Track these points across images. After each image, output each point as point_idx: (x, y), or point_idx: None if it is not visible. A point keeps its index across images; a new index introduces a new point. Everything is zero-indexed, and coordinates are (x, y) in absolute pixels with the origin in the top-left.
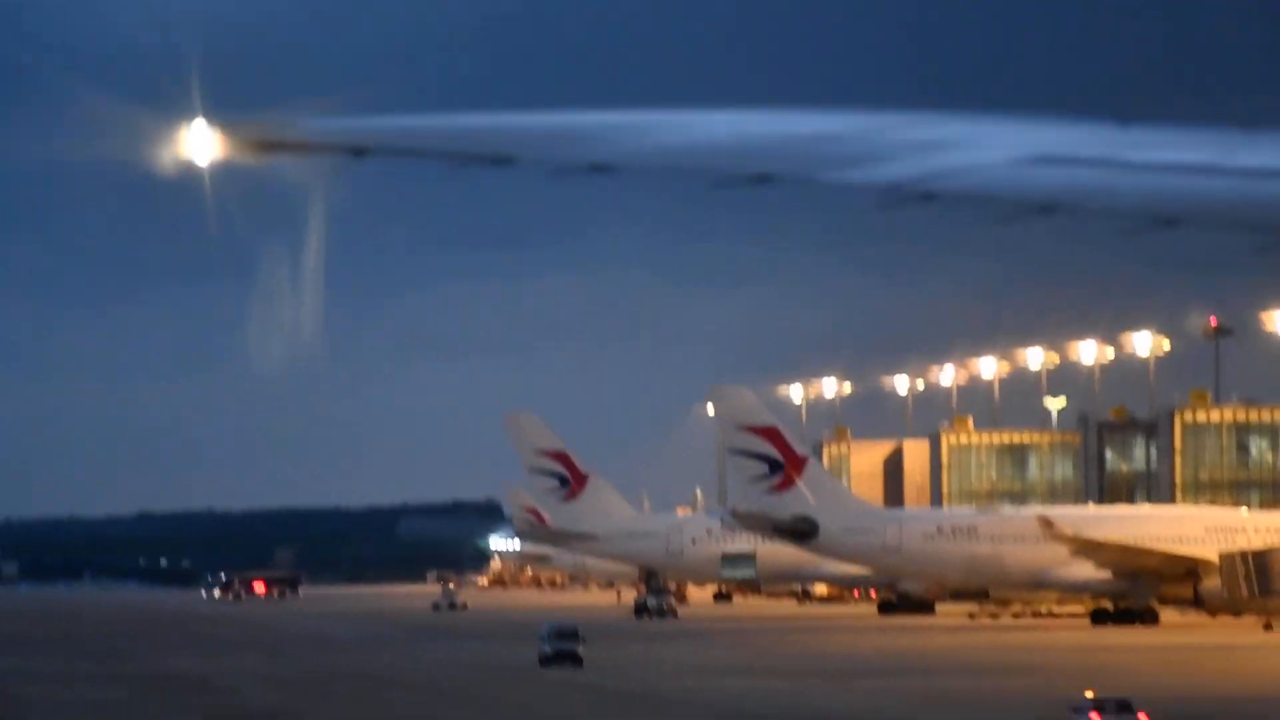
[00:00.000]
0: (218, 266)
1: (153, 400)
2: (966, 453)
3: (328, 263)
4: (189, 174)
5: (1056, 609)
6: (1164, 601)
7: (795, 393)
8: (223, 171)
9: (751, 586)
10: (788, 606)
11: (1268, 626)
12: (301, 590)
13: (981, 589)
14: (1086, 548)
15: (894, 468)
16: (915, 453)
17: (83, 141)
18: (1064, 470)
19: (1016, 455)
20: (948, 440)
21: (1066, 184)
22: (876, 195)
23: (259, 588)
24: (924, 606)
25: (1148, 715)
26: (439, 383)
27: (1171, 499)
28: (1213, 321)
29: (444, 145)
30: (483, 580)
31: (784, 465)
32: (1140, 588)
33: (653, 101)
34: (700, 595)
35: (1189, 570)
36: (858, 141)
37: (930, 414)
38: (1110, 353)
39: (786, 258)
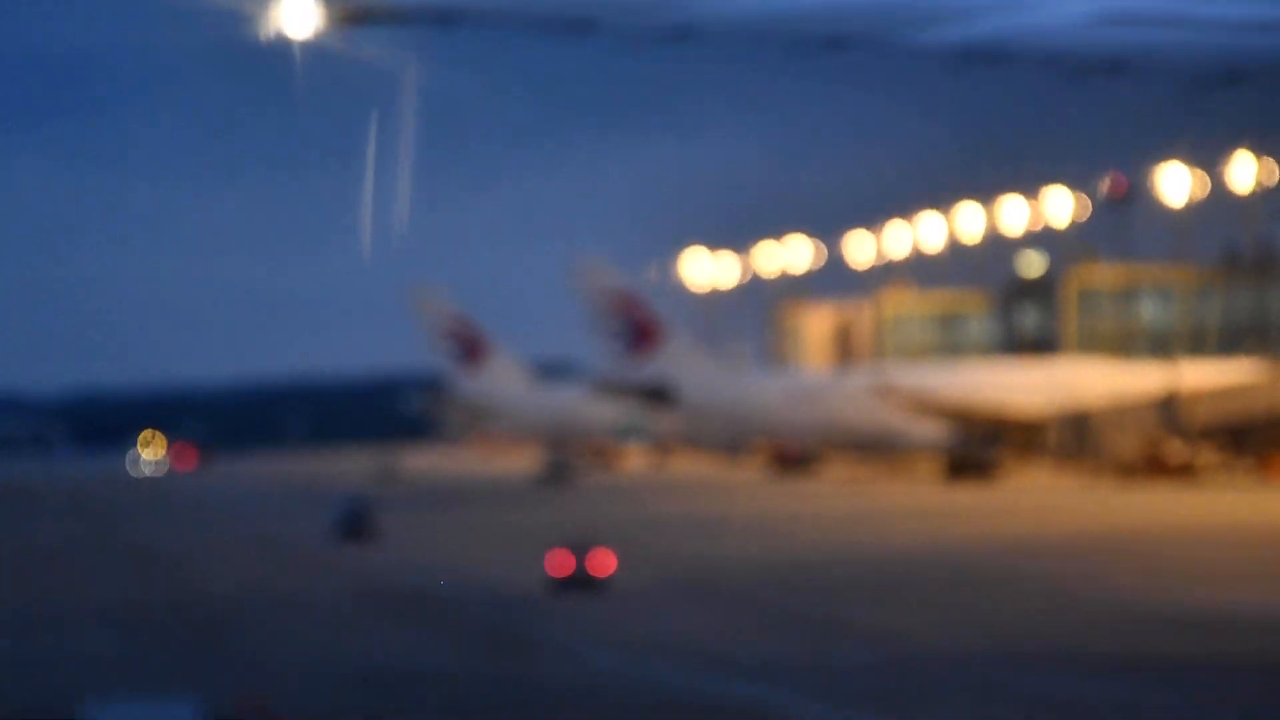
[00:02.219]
0: (307, 144)
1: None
2: (906, 315)
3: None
4: (284, 49)
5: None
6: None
7: (763, 255)
8: (314, 44)
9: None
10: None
11: (1088, 479)
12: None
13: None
14: (922, 406)
15: (845, 332)
16: (863, 316)
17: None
18: (995, 330)
19: (952, 316)
20: (886, 303)
21: (1136, 42)
22: (949, 57)
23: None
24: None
25: (609, 551)
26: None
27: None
28: (1114, 182)
29: (527, 12)
30: None
31: (645, 332)
32: (980, 444)
33: None
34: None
35: (1026, 426)
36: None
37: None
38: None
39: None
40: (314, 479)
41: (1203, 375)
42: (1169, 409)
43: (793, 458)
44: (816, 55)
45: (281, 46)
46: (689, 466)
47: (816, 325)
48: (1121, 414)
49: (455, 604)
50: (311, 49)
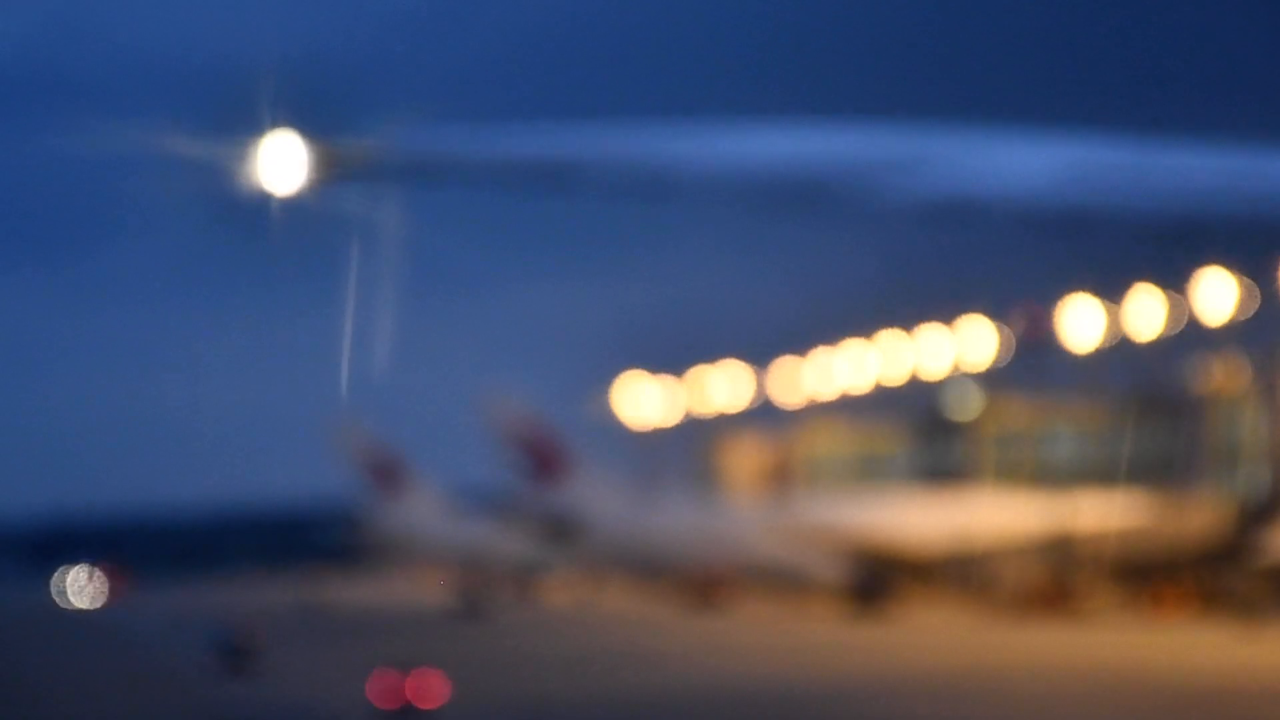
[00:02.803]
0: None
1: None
2: (828, 451)
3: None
4: (260, 197)
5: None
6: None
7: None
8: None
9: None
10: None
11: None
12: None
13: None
14: (819, 542)
15: (776, 466)
16: (792, 450)
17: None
18: (916, 465)
19: (873, 452)
20: (809, 439)
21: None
22: (920, 212)
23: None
24: None
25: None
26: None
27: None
28: (1026, 316)
29: (497, 167)
30: None
31: (552, 463)
32: (872, 578)
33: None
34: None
35: (921, 562)
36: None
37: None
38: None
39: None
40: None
41: (1101, 511)
42: (1064, 546)
43: (708, 592)
44: (791, 208)
45: (255, 199)
46: (613, 600)
47: (746, 459)
48: (1016, 550)
49: None
50: (283, 202)
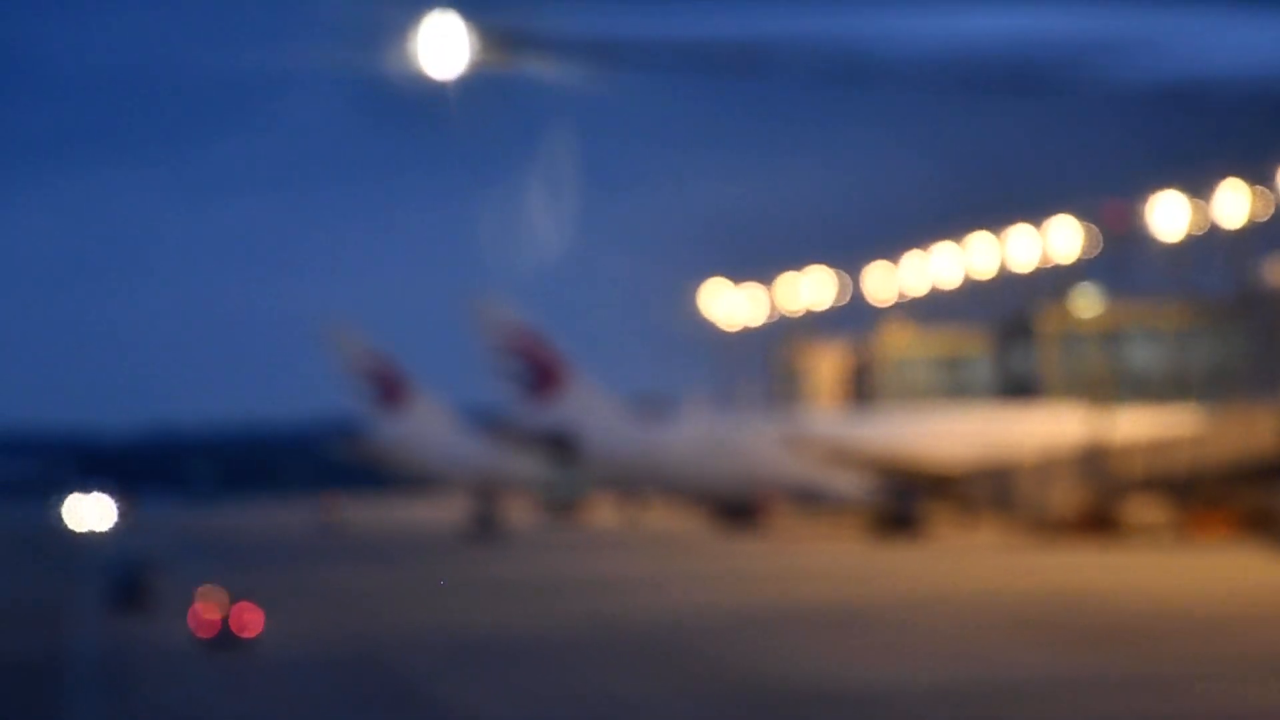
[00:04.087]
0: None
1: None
2: (906, 353)
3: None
4: (431, 76)
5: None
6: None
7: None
8: (466, 74)
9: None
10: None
11: (1021, 536)
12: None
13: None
14: (837, 457)
15: (856, 367)
16: (870, 353)
17: (326, 42)
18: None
19: (954, 354)
20: (885, 344)
21: None
22: (1143, 96)
23: None
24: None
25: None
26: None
27: (1037, 399)
28: (1114, 215)
29: (694, 53)
30: None
31: (548, 375)
32: (905, 497)
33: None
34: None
35: (947, 480)
36: (1122, 40)
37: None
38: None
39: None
40: (240, 532)
41: (1145, 424)
42: (1098, 462)
43: (740, 511)
44: (1000, 94)
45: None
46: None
47: (824, 366)
48: (1048, 467)
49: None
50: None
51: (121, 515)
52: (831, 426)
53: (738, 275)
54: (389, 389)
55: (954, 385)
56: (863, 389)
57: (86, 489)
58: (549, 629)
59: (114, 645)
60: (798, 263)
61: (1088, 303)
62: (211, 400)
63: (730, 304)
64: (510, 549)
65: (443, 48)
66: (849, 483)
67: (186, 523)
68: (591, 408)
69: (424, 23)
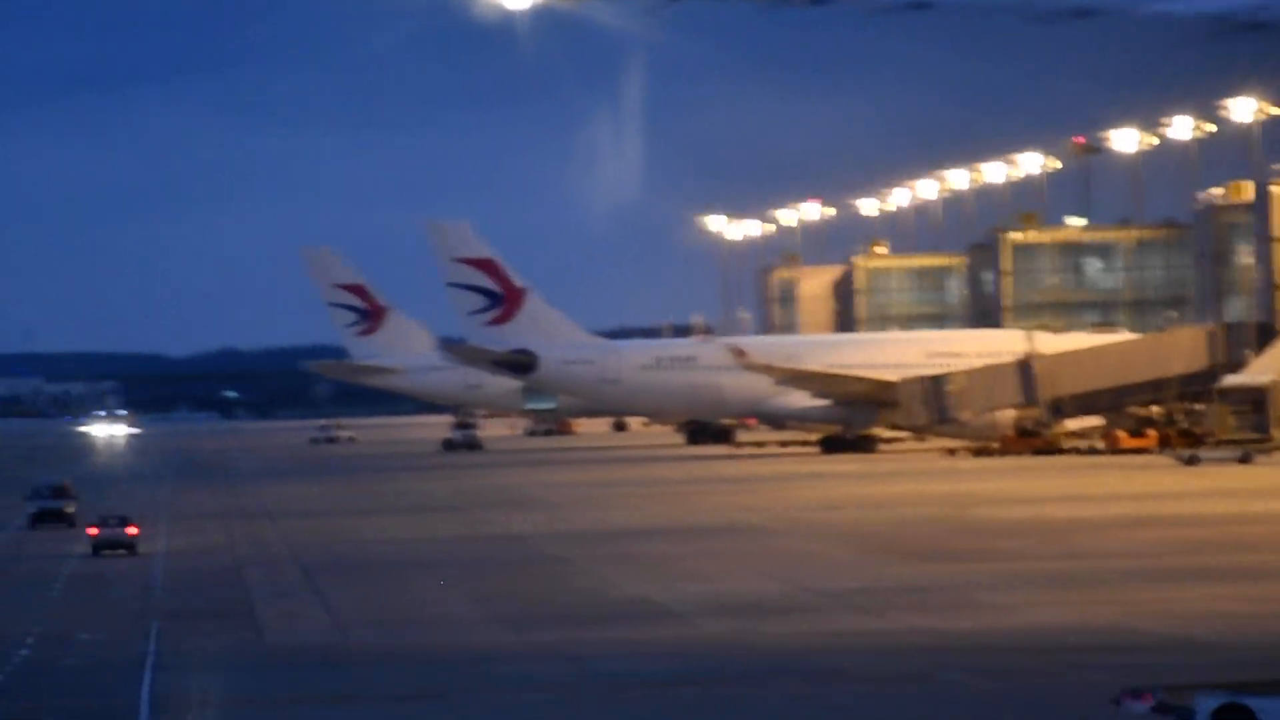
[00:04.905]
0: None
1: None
2: (884, 277)
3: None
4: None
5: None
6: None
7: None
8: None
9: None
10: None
11: (951, 452)
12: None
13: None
14: (784, 377)
15: (844, 291)
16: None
17: None
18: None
19: (932, 278)
20: (862, 265)
21: None
22: (1205, 24)
23: None
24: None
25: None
26: None
27: (999, 322)
28: (1078, 140)
29: None
30: None
31: (503, 298)
32: (854, 415)
33: None
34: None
35: (888, 397)
36: None
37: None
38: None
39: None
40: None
41: (1080, 343)
42: (1029, 379)
43: (708, 426)
44: (1059, 23)
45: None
46: (636, 437)
47: (810, 289)
48: (976, 384)
49: None
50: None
51: (130, 433)
52: (779, 349)
53: (745, 206)
54: (366, 311)
55: (929, 305)
56: (844, 310)
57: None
58: (416, 543)
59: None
60: (800, 193)
61: (1038, 226)
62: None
63: (734, 233)
64: (469, 467)
65: None
66: (798, 402)
67: (201, 440)
68: (547, 331)
69: None
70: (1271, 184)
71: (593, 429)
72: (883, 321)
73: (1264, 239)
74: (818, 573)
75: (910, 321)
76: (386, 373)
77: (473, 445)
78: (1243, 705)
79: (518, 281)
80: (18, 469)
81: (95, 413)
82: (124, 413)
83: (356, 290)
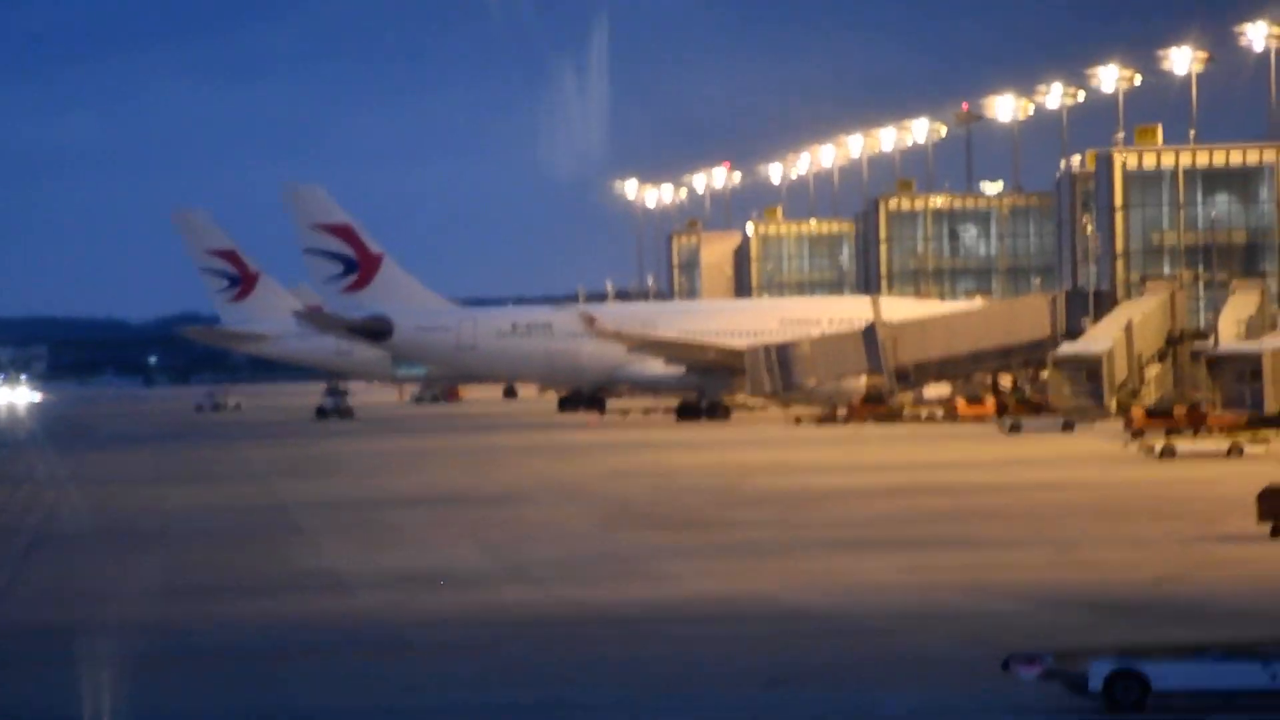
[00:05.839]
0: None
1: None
2: (777, 243)
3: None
4: None
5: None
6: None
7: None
8: None
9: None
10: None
11: (797, 420)
12: None
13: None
14: (633, 343)
15: (743, 257)
16: (754, 244)
17: None
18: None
19: (825, 244)
20: (757, 232)
21: None
22: None
23: None
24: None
25: None
26: None
27: (878, 288)
28: (964, 107)
29: None
30: None
31: (359, 264)
32: (708, 383)
33: None
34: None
35: (738, 364)
36: None
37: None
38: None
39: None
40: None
41: (925, 311)
42: (870, 346)
43: (580, 393)
44: None
45: None
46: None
47: (710, 255)
48: (821, 352)
49: None
50: None
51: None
52: (635, 317)
53: (661, 172)
54: (238, 279)
55: (822, 271)
56: (741, 276)
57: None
58: (174, 513)
59: None
60: (709, 160)
61: (912, 194)
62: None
63: (644, 200)
64: (322, 436)
65: None
66: (653, 370)
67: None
68: (404, 298)
69: None
70: (1114, 152)
71: (484, 395)
72: (779, 288)
73: (1106, 209)
74: (536, 544)
75: (803, 287)
76: (258, 339)
77: (344, 413)
78: (1136, 670)
79: (374, 248)
80: None
81: None
82: (23, 378)
83: (228, 256)
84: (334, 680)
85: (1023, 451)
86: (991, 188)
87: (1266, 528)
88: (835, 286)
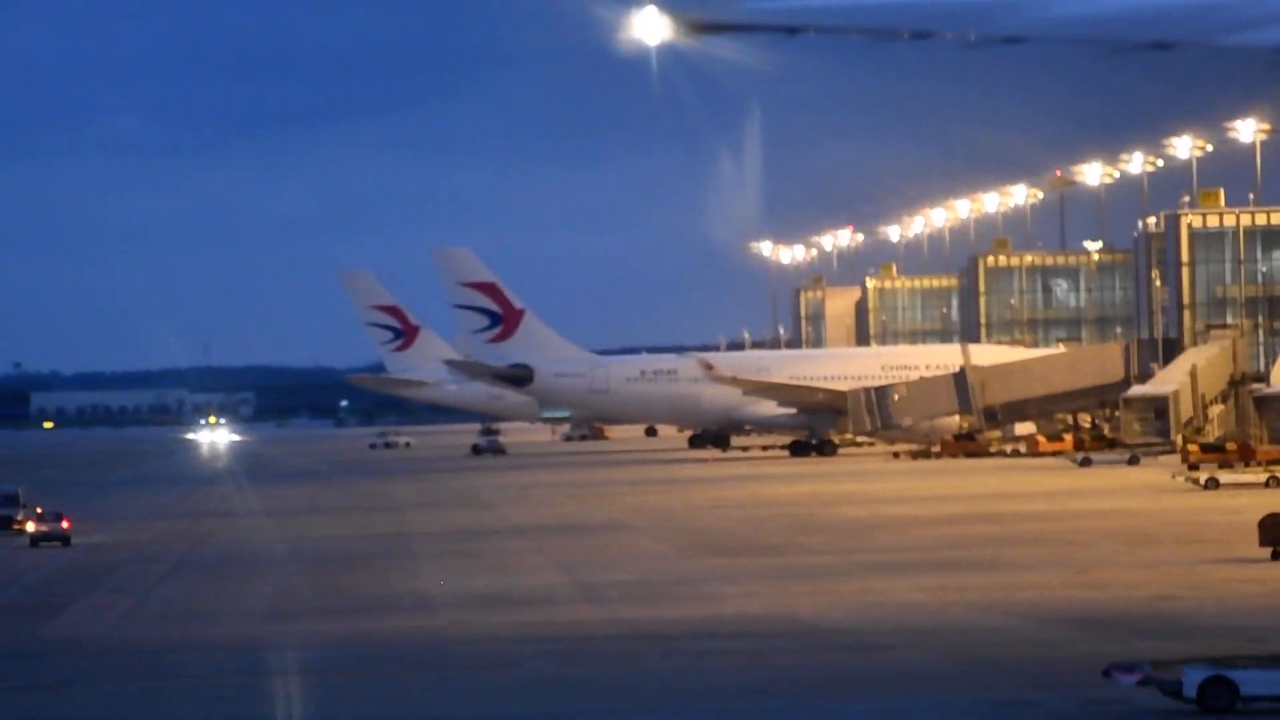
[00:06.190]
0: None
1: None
2: (892, 296)
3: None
4: (640, 53)
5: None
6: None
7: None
8: (669, 51)
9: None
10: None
11: (895, 455)
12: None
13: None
14: (746, 387)
15: (862, 309)
16: (871, 297)
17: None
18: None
19: (936, 297)
20: (874, 286)
21: None
22: (1269, 56)
23: None
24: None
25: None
26: None
27: (977, 337)
28: (1057, 173)
29: (867, 22)
30: None
31: (503, 317)
32: (817, 422)
33: None
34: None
35: (843, 405)
36: (1250, 7)
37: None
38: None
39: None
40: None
41: (1012, 356)
42: (961, 389)
43: (709, 434)
44: (1140, 55)
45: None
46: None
47: (834, 308)
48: (916, 394)
49: None
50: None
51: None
52: (750, 364)
53: (793, 233)
54: (400, 330)
55: (932, 321)
56: (861, 327)
57: (218, 419)
58: (310, 540)
59: None
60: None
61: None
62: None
63: (779, 258)
64: (472, 470)
65: (645, 32)
66: (767, 411)
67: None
68: (543, 348)
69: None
70: (1181, 214)
71: (627, 435)
72: (894, 336)
73: (1173, 264)
74: (613, 568)
75: (915, 336)
76: (418, 385)
77: (497, 450)
78: (1226, 677)
79: (517, 303)
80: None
81: (200, 421)
82: (223, 421)
83: (392, 311)
84: (361, 692)
85: (1085, 483)
86: (1093, 245)
87: (1267, 552)
88: (945, 336)
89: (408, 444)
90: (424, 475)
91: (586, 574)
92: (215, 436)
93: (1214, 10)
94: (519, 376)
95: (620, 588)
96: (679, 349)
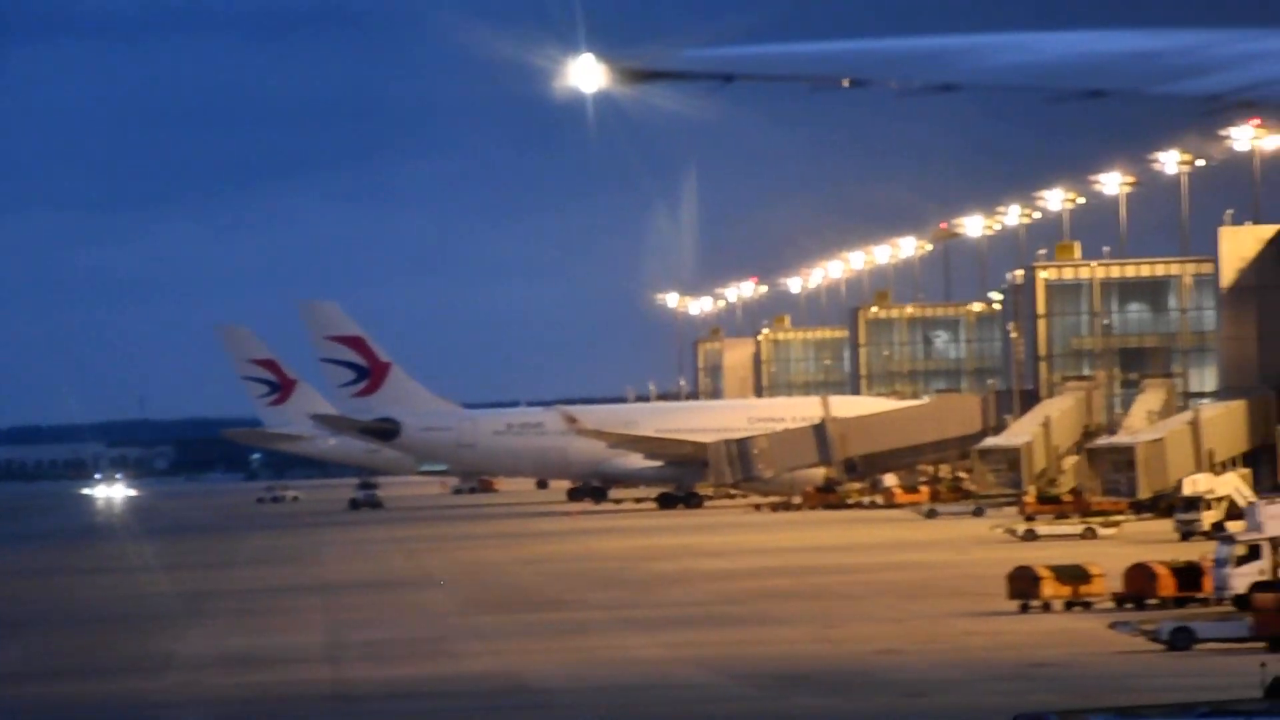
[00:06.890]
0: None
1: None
2: (785, 348)
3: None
4: (576, 102)
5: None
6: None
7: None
8: (604, 99)
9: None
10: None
11: (757, 507)
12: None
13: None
14: (610, 440)
15: (758, 360)
16: (764, 349)
17: (480, 75)
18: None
19: (828, 348)
20: (766, 338)
21: None
22: (1201, 104)
23: None
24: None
25: None
26: None
27: (858, 389)
28: (943, 226)
29: (804, 70)
30: None
31: (370, 370)
32: (684, 475)
33: (993, 25)
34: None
35: (704, 457)
36: (1180, 56)
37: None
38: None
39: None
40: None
41: (871, 408)
42: (821, 440)
43: (589, 487)
44: (1075, 105)
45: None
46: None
47: (731, 359)
48: (777, 446)
49: None
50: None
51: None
52: (616, 417)
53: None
54: (276, 384)
55: (822, 372)
56: (757, 378)
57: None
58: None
59: None
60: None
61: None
62: None
63: (686, 309)
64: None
65: (582, 80)
66: (634, 464)
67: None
68: (409, 401)
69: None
70: (1037, 266)
71: (518, 486)
72: (785, 388)
73: (1029, 316)
74: (383, 626)
75: (808, 388)
76: (293, 439)
77: (374, 504)
78: None
79: (383, 356)
80: None
81: (95, 475)
82: (119, 476)
83: (268, 365)
84: None
85: (921, 535)
86: (998, 296)
87: (1016, 605)
88: (836, 387)
89: (295, 498)
90: (286, 530)
91: (347, 633)
92: (112, 491)
93: (1145, 59)
94: (386, 430)
95: (368, 647)
96: (587, 402)
